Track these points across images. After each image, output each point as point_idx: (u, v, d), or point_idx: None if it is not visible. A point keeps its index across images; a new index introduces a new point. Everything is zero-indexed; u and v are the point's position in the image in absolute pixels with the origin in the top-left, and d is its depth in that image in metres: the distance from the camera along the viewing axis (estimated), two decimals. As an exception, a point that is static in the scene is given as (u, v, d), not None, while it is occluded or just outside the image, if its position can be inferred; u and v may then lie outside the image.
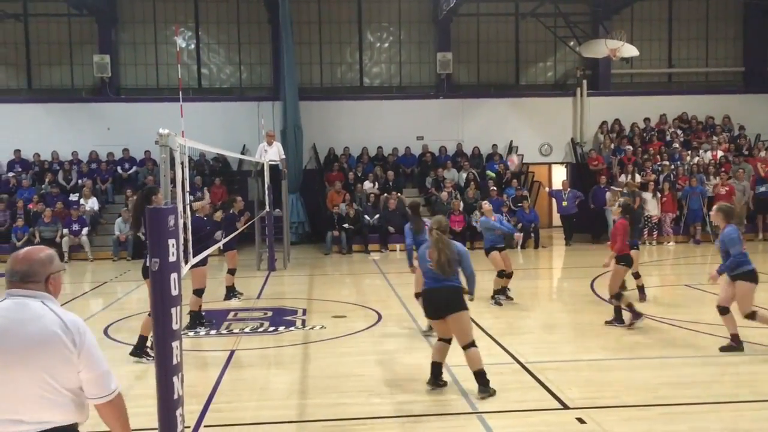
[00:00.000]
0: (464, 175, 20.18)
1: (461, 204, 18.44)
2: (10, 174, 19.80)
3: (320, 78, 22.36)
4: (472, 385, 6.33)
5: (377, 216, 18.57)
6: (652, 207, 18.38)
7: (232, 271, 11.33)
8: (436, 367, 6.45)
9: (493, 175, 20.07)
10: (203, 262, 8.30)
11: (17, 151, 20.25)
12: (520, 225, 17.96)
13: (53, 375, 2.69)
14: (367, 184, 19.86)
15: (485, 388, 6.18)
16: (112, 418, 2.87)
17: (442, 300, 6.22)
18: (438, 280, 6.24)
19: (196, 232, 7.46)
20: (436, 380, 6.45)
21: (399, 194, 19.07)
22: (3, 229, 17.69)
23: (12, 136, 20.20)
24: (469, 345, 6.21)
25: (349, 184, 19.97)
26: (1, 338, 2.68)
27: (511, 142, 21.66)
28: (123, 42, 21.76)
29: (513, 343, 8.13)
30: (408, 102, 21.80)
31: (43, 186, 19.28)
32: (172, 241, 4.96)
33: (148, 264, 6.78)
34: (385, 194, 19.08)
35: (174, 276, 4.99)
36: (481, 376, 6.21)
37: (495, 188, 18.92)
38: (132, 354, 7.69)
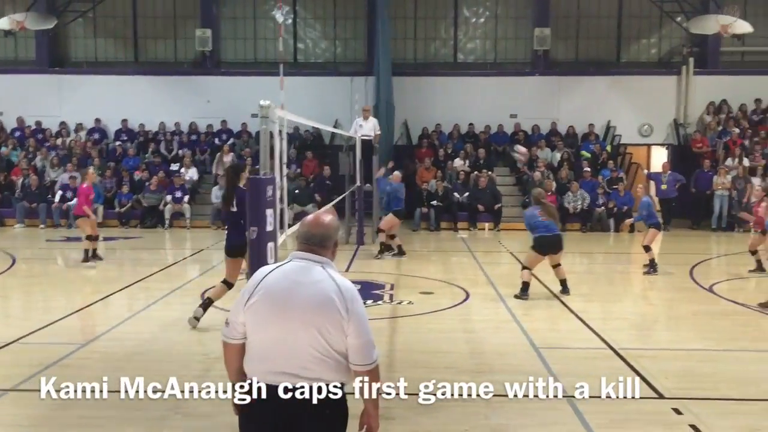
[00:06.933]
0: (558, 155, 19.68)
1: (554, 184, 18.00)
2: (117, 143, 20.80)
3: (414, 53, 22.25)
4: (561, 368, 6.24)
5: (466, 194, 18.41)
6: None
7: None
8: (528, 286, 9.36)
9: (588, 155, 19.49)
10: None
11: (124, 121, 21.20)
12: (615, 208, 17.49)
13: (326, 336, 2.88)
14: (458, 162, 19.69)
15: (567, 290, 9.47)
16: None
17: (556, 242, 9.31)
18: (550, 229, 9.21)
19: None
20: (526, 293, 9.29)
21: (490, 173, 18.83)
22: (109, 196, 18.62)
23: (119, 107, 21.12)
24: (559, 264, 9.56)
25: (439, 161, 19.87)
26: (286, 298, 2.89)
27: (609, 122, 20.95)
28: (224, 16, 22.32)
29: (606, 329, 7.90)
30: (503, 79, 21.37)
31: (146, 155, 20.16)
32: (269, 211, 5.09)
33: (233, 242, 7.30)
34: (476, 172, 18.87)
35: (271, 245, 5.12)
36: (564, 284, 9.50)
37: (589, 169, 18.41)
38: None
